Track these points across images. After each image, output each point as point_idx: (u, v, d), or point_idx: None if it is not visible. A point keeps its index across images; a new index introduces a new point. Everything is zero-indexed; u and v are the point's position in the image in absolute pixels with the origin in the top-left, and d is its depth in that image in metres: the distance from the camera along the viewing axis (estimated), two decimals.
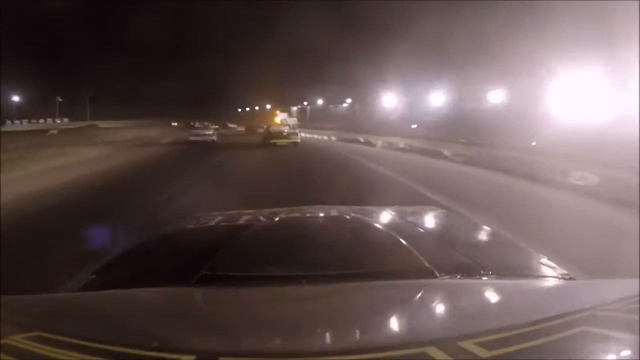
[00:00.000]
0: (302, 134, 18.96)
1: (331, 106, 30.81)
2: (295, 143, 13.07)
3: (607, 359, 0.47)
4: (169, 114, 46.96)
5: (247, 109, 53.33)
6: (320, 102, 34.24)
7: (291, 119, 30.21)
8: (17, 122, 35.95)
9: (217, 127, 25.63)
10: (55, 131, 21.15)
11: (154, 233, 1.23)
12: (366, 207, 1.43)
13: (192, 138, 15.92)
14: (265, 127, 16.08)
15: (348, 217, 1.27)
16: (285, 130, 13.69)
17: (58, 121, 38.32)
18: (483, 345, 0.46)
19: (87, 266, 1.22)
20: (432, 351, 0.45)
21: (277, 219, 1.24)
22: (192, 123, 24.18)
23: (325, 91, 34.10)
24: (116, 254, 1.01)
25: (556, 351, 0.46)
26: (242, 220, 1.22)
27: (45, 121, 37.57)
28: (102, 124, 34.36)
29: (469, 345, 0.46)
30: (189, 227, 1.25)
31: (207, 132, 16.62)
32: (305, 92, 36.71)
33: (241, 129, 22.37)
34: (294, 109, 33.17)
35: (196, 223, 1.28)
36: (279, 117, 28.96)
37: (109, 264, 0.94)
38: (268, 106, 42.44)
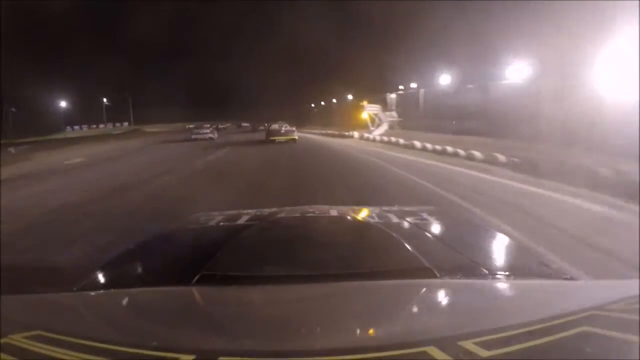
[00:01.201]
0: (424, 161, 11.51)
1: (470, 86, 21.77)
2: (294, 140, 21.38)
3: (607, 359, 0.62)
4: (224, 115, 63.66)
5: (322, 103, 55.41)
6: (444, 80, 25.69)
7: (388, 113, 27.05)
8: (76, 127, 52.57)
9: (227, 125, 49.01)
10: (13, 149, 21.01)
11: (154, 233, 1.70)
12: (366, 207, 1.86)
13: (193, 137, 26.94)
14: (266, 125, 26.27)
15: (348, 217, 1.69)
16: (283, 129, 22.27)
17: (118, 124, 57.15)
18: (483, 345, 0.63)
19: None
20: (432, 351, 0.61)
21: (277, 219, 1.66)
22: (205, 125, 33.15)
23: (456, 61, 23.80)
24: (116, 253, 1.44)
25: (556, 351, 0.64)
26: (242, 220, 1.65)
27: (105, 126, 55.73)
28: (147, 128, 51.98)
29: (469, 345, 0.63)
30: (189, 227, 1.72)
31: (206, 132, 28.11)
32: (413, 67, 29.87)
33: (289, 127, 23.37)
34: (392, 96, 29.60)
35: (196, 223, 1.76)
36: (368, 110, 26.15)
37: (109, 263, 1.36)
38: (349, 97, 41.44)
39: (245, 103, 67.30)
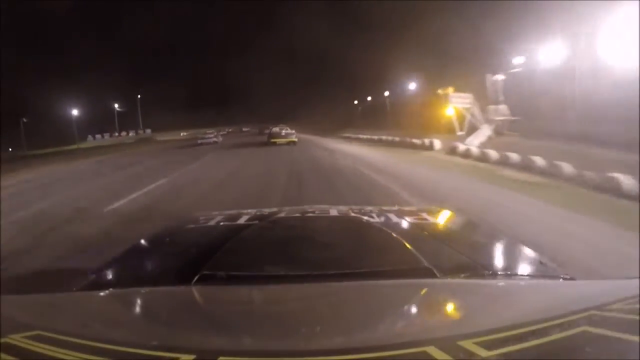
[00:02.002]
0: None
1: None
2: (294, 142, 27.19)
3: (607, 359, 0.77)
4: (242, 119, 79.42)
5: (369, 98, 51.61)
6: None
7: (493, 108, 19.80)
8: (98, 136, 68.77)
9: (230, 130, 71.07)
10: None
11: (154, 233, 2.10)
12: (366, 207, 2.25)
13: (199, 142, 38.52)
14: (270, 128, 33.04)
15: (348, 217, 2.07)
16: (283, 132, 28.59)
17: (140, 131, 73.29)
18: (483, 345, 0.78)
19: None
20: (432, 351, 0.77)
21: (277, 219, 2.03)
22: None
23: None
24: (116, 253, 1.79)
25: (556, 351, 0.79)
26: (242, 220, 2.03)
27: (128, 134, 70.89)
28: (160, 135, 66.19)
29: (469, 345, 0.78)
30: (189, 227, 2.10)
31: (210, 136, 40.01)
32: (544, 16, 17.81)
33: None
34: (498, 78, 20.70)
35: (196, 223, 2.15)
36: (454, 103, 20.11)
37: (109, 263, 1.71)
38: (411, 86, 37.37)
39: (263, 106, 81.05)
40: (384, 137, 26.42)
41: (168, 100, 78.27)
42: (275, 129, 30.04)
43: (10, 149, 48.58)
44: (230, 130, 72.48)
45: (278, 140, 27.52)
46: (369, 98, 52.47)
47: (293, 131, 28.89)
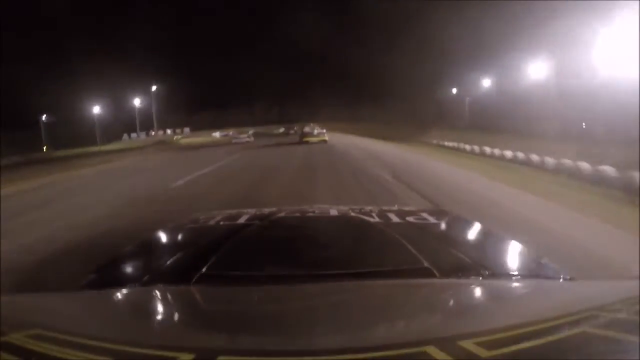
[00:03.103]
0: None
1: None
2: (324, 141, 31.40)
3: (607, 359, 0.85)
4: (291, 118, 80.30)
5: (454, 90, 42.68)
6: None
7: None
8: (133, 135, 74.83)
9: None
10: None
11: (154, 232, 2.31)
12: (366, 207, 2.50)
13: (234, 141, 47.79)
14: (295, 129, 46.09)
15: (348, 217, 2.32)
16: (315, 131, 33.71)
17: (186, 130, 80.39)
18: (483, 345, 0.87)
19: None
20: (432, 351, 0.85)
21: (277, 218, 2.27)
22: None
23: None
24: (116, 253, 1.98)
25: (556, 351, 0.88)
26: (242, 219, 2.28)
27: (164, 133, 77.62)
28: (184, 139, 70.43)
29: (469, 345, 0.87)
30: (189, 227, 2.36)
31: (243, 136, 50.62)
32: None
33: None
34: None
35: (196, 223, 2.40)
36: None
37: (109, 263, 1.88)
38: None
39: (298, 103, 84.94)
40: (550, 160, 13.29)
41: (201, 102, 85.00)
42: (307, 129, 35.58)
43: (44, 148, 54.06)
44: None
45: (310, 139, 32.23)
46: (486, 83, 37.55)
47: (324, 130, 34.03)
